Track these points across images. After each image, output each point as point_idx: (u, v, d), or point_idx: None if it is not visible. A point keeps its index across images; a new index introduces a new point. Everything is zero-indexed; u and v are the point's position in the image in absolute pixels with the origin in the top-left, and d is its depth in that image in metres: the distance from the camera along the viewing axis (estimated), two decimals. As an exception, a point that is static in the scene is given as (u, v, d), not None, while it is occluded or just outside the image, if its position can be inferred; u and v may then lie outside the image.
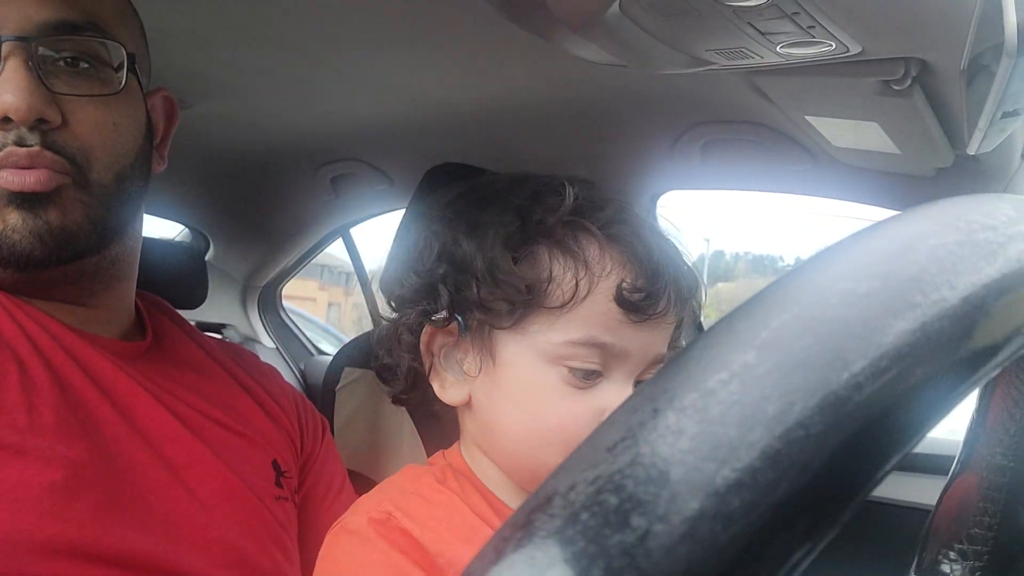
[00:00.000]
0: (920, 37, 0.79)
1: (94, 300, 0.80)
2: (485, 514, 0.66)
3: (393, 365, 0.72)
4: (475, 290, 0.65)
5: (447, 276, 0.67)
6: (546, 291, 0.64)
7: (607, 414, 0.62)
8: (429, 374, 0.70)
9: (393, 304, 0.73)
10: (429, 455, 1.27)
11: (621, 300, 0.63)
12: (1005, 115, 0.68)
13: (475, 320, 0.66)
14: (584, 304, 0.63)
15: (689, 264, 0.70)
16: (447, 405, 0.70)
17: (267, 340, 2.32)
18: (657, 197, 1.56)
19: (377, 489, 0.71)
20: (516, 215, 0.66)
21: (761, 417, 0.17)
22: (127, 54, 0.77)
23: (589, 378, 0.64)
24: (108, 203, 0.76)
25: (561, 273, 0.64)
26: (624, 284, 0.63)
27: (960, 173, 1.20)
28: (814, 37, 0.80)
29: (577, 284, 0.63)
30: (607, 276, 0.64)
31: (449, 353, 0.69)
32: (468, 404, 0.69)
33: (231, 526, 0.77)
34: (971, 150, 0.81)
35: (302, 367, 2.26)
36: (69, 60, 0.73)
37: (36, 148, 0.70)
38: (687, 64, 0.94)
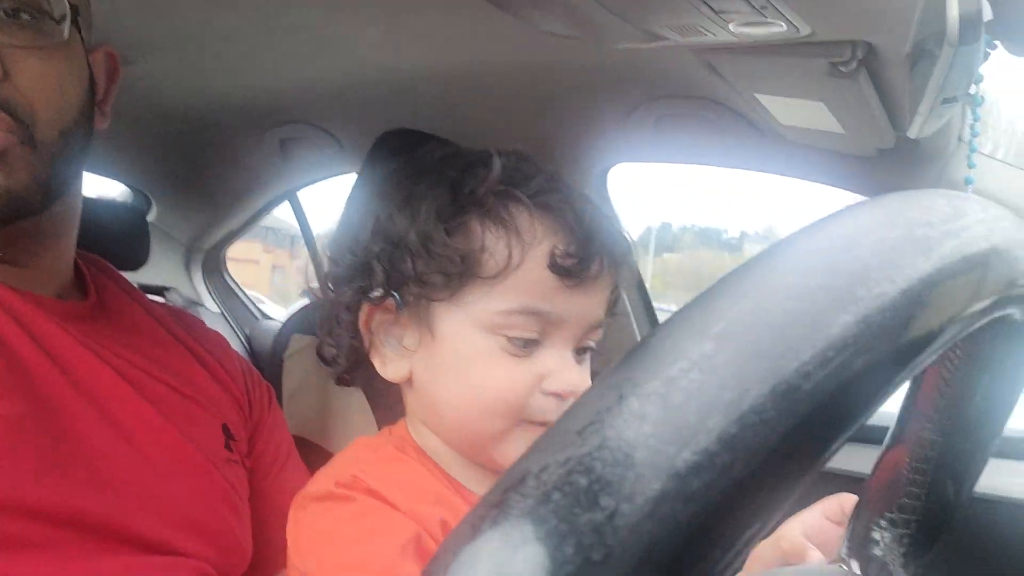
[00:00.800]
0: (867, 21, 0.81)
1: (33, 259, 0.78)
2: (444, 484, 0.67)
3: (334, 345, 0.72)
4: (410, 264, 0.65)
5: (382, 253, 0.67)
6: (480, 261, 0.64)
7: (547, 380, 0.64)
8: (369, 352, 0.70)
9: (330, 284, 0.72)
10: (379, 422, 1.29)
11: (554, 266, 0.64)
12: (945, 101, 0.71)
13: (411, 295, 0.67)
14: (518, 272, 0.64)
15: (620, 229, 0.71)
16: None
17: (211, 304, 2.29)
18: (608, 169, 1.58)
19: (331, 464, 0.71)
20: (448, 187, 0.67)
21: (719, 404, 0.18)
22: (70, 6, 0.75)
23: (528, 346, 0.65)
24: (53, 161, 0.74)
25: (493, 243, 0.64)
26: (556, 250, 0.64)
27: (900, 154, 1.23)
28: (766, 18, 0.82)
29: (510, 253, 0.64)
30: (539, 244, 0.64)
31: (388, 330, 0.69)
32: (409, 380, 0.69)
33: (182, 488, 0.77)
34: (912, 133, 0.84)
35: (247, 332, 2.24)
36: (10, 12, 0.71)
37: None
38: (643, 39, 0.95)
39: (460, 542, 0.17)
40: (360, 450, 0.72)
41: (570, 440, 0.18)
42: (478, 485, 0.69)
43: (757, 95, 1.11)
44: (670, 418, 0.18)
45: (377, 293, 0.68)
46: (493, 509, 0.17)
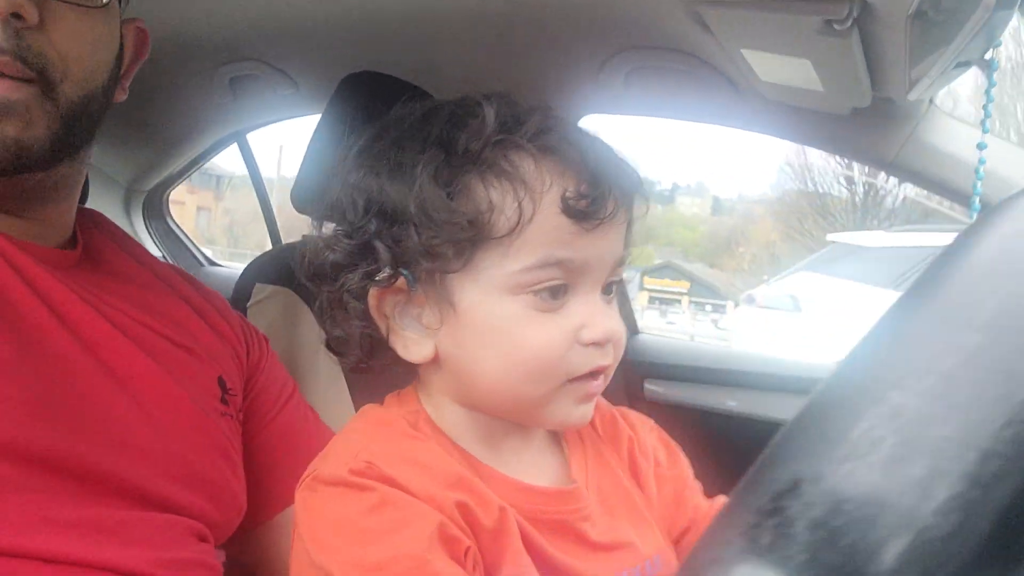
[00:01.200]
0: (874, -21, 0.80)
1: (33, 214, 0.76)
2: (460, 460, 0.63)
3: (345, 336, 0.66)
4: (415, 238, 0.61)
5: (381, 230, 0.62)
6: (490, 221, 0.60)
7: (583, 331, 0.61)
8: (388, 337, 0.65)
9: (329, 271, 0.66)
10: (347, 374, 1.26)
11: (569, 210, 0.60)
12: (959, 65, 0.71)
13: (423, 270, 0.62)
14: (532, 225, 0.60)
15: (626, 161, 0.67)
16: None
17: (153, 249, 2.20)
18: (578, 119, 1.55)
19: (342, 438, 0.67)
20: (439, 147, 0.62)
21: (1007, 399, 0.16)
22: None
23: (556, 296, 0.62)
24: (70, 121, 0.72)
25: (501, 198, 0.60)
26: (568, 194, 0.60)
27: (873, 113, 1.24)
28: (772, -29, 0.80)
29: (520, 206, 0.59)
30: (549, 190, 0.60)
31: (404, 311, 0.64)
32: (436, 360, 0.65)
33: (177, 438, 0.74)
34: (912, 96, 0.84)
35: (178, 266, 2.16)
36: None
37: (7, 58, 0.66)
38: (640, -12, 0.92)
39: (731, 554, 0.15)
40: (371, 425, 0.67)
41: (847, 444, 0.16)
42: (497, 462, 0.66)
43: (743, 50, 1.10)
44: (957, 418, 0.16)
45: (384, 274, 0.63)
46: (768, 517, 0.16)
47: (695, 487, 0.76)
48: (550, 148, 0.61)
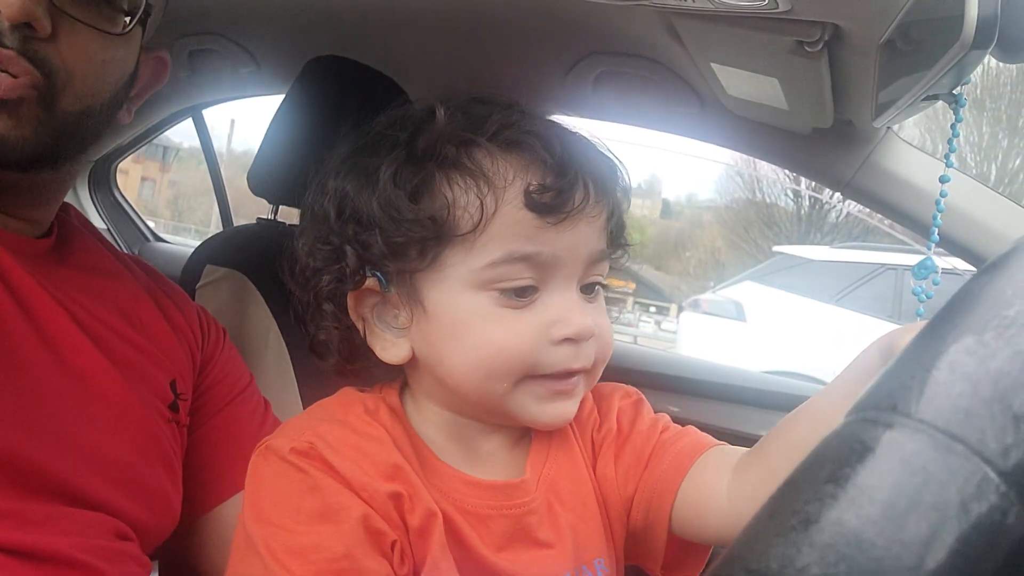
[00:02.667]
0: (849, 5, 0.81)
1: (8, 209, 0.75)
2: (408, 455, 0.64)
3: (325, 340, 0.68)
4: (379, 239, 0.61)
5: (350, 235, 0.63)
6: (453, 219, 0.60)
7: (554, 328, 0.60)
8: (367, 339, 0.66)
9: (309, 276, 0.67)
10: (295, 361, 1.24)
11: (532, 204, 0.59)
12: (927, 98, 0.72)
13: (392, 271, 0.63)
14: (495, 220, 0.60)
15: (604, 151, 0.66)
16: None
17: (97, 220, 2.13)
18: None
19: (306, 412, 0.68)
20: (402, 150, 0.63)
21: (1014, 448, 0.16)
22: (146, 4, 0.74)
23: (524, 295, 0.61)
24: (61, 132, 0.72)
25: (463, 195, 0.60)
26: (531, 187, 0.59)
27: (833, 135, 1.27)
28: (751, -11, 0.81)
29: (482, 202, 0.59)
30: (511, 184, 0.60)
31: (380, 313, 0.65)
32: (412, 359, 0.65)
33: (121, 441, 0.73)
34: (878, 123, 0.85)
35: (136, 252, 2.10)
36: None
37: (11, 52, 0.65)
38: (617, -5, 0.92)
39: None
40: (336, 404, 0.67)
41: (853, 493, 0.16)
42: (455, 458, 0.66)
43: (713, 64, 1.11)
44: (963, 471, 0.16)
45: (356, 278, 0.63)
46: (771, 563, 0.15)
47: (658, 431, 0.73)
48: (513, 142, 0.61)
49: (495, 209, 0.60)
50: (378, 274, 0.63)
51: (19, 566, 0.63)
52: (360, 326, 0.66)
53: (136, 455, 0.74)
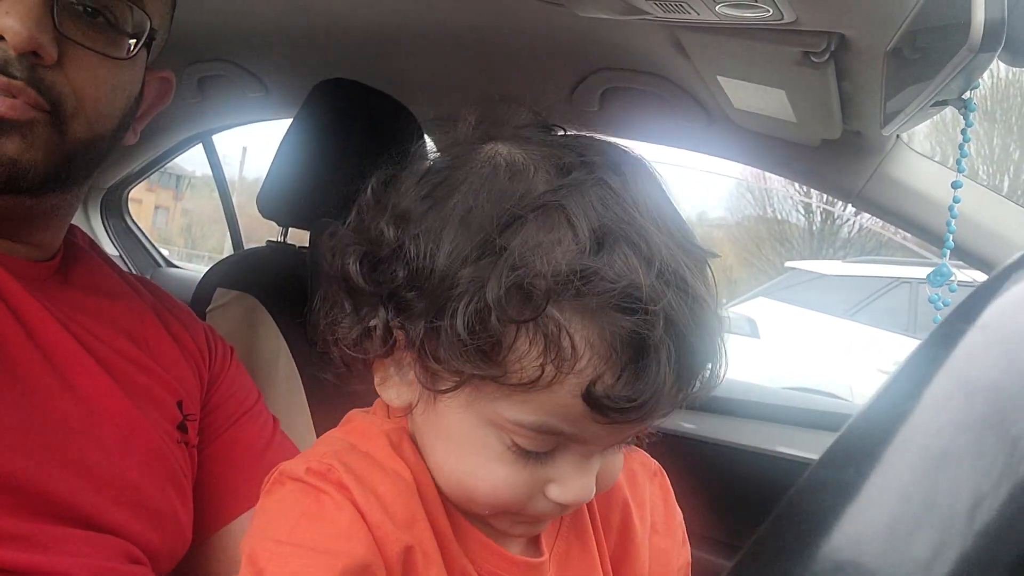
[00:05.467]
0: (854, 14, 0.81)
1: (18, 236, 0.76)
2: (432, 501, 0.58)
3: (329, 346, 0.61)
4: (420, 331, 0.53)
5: (387, 297, 0.55)
6: (505, 364, 0.51)
7: (551, 486, 0.54)
8: (374, 364, 0.60)
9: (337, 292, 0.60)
10: (306, 386, 1.23)
11: (590, 401, 0.50)
12: (936, 103, 0.71)
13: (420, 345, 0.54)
14: (546, 392, 0.50)
15: (718, 354, 0.54)
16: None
17: (109, 247, 2.14)
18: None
19: (323, 441, 0.63)
20: (503, 261, 0.50)
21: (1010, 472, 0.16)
22: (150, 29, 0.75)
23: (538, 457, 0.54)
24: (72, 157, 0.72)
25: (526, 347, 0.50)
26: (596, 386, 0.50)
27: (842, 146, 1.26)
28: (754, 1, 0.81)
29: (543, 368, 0.50)
30: (581, 369, 0.50)
31: (396, 356, 0.58)
32: (409, 412, 0.60)
33: (130, 464, 0.73)
34: (887, 131, 0.85)
35: (149, 278, 2.11)
36: (90, 9, 0.70)
37: (20, 83, 0.65)
38: (622, 11, 0.92)
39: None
40: (354, 434, 0.61)
41: (851, 516, 0.16)
42: (482, 525, 0.61)
43: (719, 77, 1.11)
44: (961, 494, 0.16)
45: (377, 334, 0.56)
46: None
47: (677, 562, 0.70)
48: (613, 322, 0.49)
49: (551, 383, 0.50)
50: (406, 330, 0.55)
51: None
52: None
53: (145, 477, 0.74)
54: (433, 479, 0.59)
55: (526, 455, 0.54)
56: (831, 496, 0.19)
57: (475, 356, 0.50)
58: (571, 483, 0.55)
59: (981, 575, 0.17)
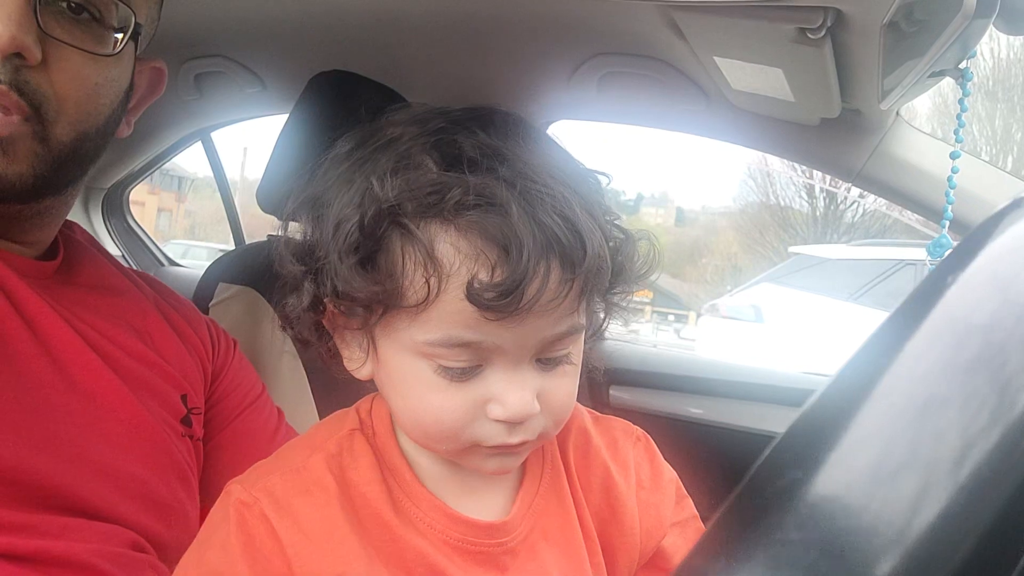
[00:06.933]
0: (850, -12, 0.80)
1: (13, 235, 0.76)
2: (393, 487, 0.63)
3: (305, 339, 0.66)
4: (331, 288, 0.59)
5: (309, 270, 0.61)
6: (401, 290, 0.57)
7: (490, 405, 0.58)
8: (338, 344, 0.65)
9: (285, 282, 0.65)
10: (310, 376, 1.24)
11: (472, 298, 0.55)
12: (933, 75, 0.71)
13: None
14: (437, 303, 0.56)
15: (582, 228, 0.57)
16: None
17: (112, 247, 2.14)
18: (548, 125, 1.54)
19: (277, 454, 0.67)
20: (372, 196, 0.57)
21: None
22: (135, 23, 0.74)
23: (463, 375, 0.58)
24: (59, 161, 0.72)
25: (412, 269, 0.56)
26: (475, 282, 0.55)
27: (842, 124, 1.26)
28: (749, -23, 0.80)
29: (428, 282, 0.56)
30: (456, 272, 0.55)
31: (344, 333, 0.64)
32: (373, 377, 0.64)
33: (136, 458, 0.73)
34: (885, 105, 0.84)
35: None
36: (73, 5, 0.70)
37: (3, 87, 0.65)
38: (616, -9, 0.91)
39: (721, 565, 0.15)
40: (297, 451, 0.66)
41: (840, 458, 0.16)
42: (440, 486, 0.65)
43: (716, 57, 1.10)
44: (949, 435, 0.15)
45: (319, 306, 0.62)
46: (759, 527, 0.15)
47: (672, 518, 0.73)
48: (474, 223, 0.55)
49: (438, 293, 0.56)
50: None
51: (35, 573, 0.63)
52: (333, 335, 0.65)
53: (150, 470, 0.74)
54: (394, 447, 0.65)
55: (455, 375, 0.58)
56: (817, 442, 0.19)
57: (378, 293, 0.57)
58: (507, 398, 0.58)
59: (970, 519, 0.17)
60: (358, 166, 0.61)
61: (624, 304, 0.67)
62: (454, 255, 0.56)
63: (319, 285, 0.60)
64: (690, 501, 0.74)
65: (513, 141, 0.60)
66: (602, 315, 0.66)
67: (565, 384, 0.62)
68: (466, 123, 0.61)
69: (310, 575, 0.58)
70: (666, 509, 0.72)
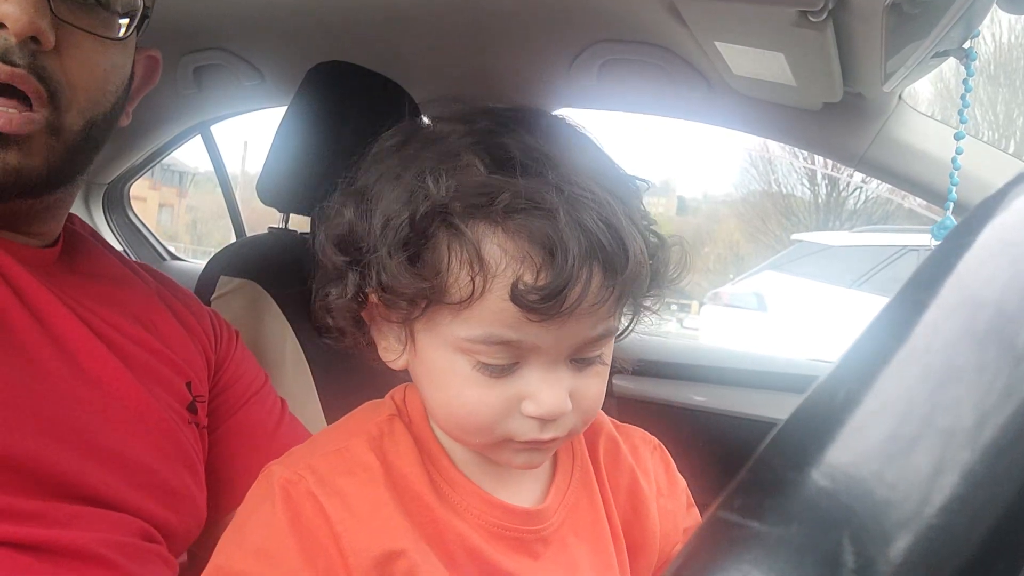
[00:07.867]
0: (851, -30, 0.79)
1: (23, 228, 0.76)
2: (414, 478, 0.63)
3: (333, 327, 0.68)
4: (376, 281, 0.60)
5: (353, 263, 0.62)
6: (445, 287, 0.58)
7: (525, 402, 0.59)
8: (373, 334, 0.67)
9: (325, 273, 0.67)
10: (314, 372, 1.23)
11: (516, 299, 0.56)
12: (936, 55, 0.70)
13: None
14: (481, 302, 0.58)
15: (627, 232, 0.58)
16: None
17: (114, 242, 2.14)
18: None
19: (312, 440, 0.68)
20: (421, 193, 0.58)
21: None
22: (143, 6, 0.75)
23: (501, 372, 0.60)
24: (71, 150, 0.73)
25: (457, 267, 0.58)
26: (519, 284, 0.56)
27: (844, 109, 1.25)
28: (749, -40, 0.80)
29: (472, 281, 0.57)
30: (502, 272, 0.57)
31: (381, 323, 0.65)
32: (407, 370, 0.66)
33: (142, 446, 0.74)
34: (888, 87, 0.84)
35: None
36: None
37: (23, 71, 0.66)
38: (616, -24, 0.91)
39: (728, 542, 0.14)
40: (340, 434, 0.67)
41: (851, 435, 0.15)
42: (477, 471, 0.66)
43: (717, 42, 1.09)
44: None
45: (360, 297, 0.64)
46: (768, 503, 0.14)
47: (684, 523, 0.76)
48: (520, 226, 0.57)
49: (482, 292, 0.57)
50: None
51: (43, 562, 0.63)
52: (369, 324, 0.66)
53: (158, 458, 0.75)
54: (430, 438, 0.66)
55: (493, 372, 0.60)
56: (831, 415, 0.19)
57: (423, 289, 0.58)
58: (541, 396, 0.60)
59: (989, 489, 0.17)
60: (406, 162, 0.62)
61: (654, 308, 0.68)
62: (500, 256, 0.57)
63: (365, 278, 0.62)
64: (696, 510, 0.77)
65: (561, 144, 0.61)
66: (631, 316, 0.67)
67: (596, 383, 0.64)
68: (513, 124, 0.61)
69: (358, 552, 0.59)
70: (680, 516, 0.75)
